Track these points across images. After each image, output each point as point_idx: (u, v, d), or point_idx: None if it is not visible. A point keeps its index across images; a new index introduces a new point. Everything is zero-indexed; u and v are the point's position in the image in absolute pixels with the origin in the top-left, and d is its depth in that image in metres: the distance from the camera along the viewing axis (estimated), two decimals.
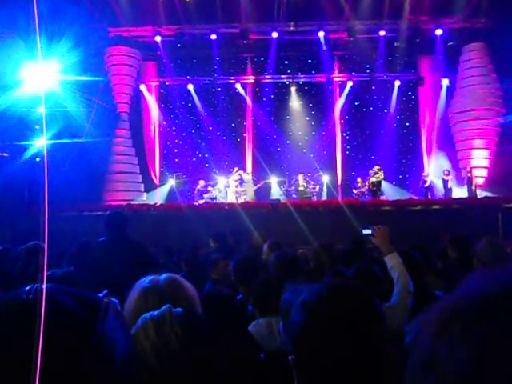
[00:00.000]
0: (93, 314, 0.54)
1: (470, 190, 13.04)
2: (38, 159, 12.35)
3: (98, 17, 14.20)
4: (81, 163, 12.97)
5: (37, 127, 12.47)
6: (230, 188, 13.52)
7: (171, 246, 5.66)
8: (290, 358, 0.94)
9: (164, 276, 1.47)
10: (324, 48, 15.48)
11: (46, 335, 0.48)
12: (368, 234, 2.65)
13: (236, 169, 13.85)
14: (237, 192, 13.91)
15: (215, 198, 13.73)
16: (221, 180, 14.90)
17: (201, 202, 13.10)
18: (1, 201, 11.69)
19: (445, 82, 15.53)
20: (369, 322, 0.90)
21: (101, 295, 0.64)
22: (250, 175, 13.79)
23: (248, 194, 13.28)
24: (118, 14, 14.38)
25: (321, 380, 0.88)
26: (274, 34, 15.05)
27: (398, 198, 13.60)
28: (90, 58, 13.17)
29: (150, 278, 1.46)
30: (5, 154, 12.78)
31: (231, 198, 13.16)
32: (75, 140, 12.99)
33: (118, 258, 2.86)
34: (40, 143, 12.53)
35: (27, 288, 0.56)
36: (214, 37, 15.13)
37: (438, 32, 14.73)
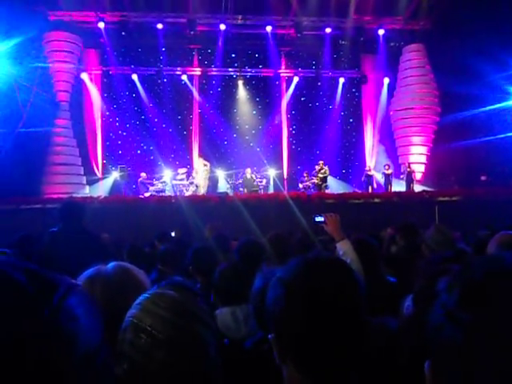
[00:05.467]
0: (45, 293, 0.47)
1: (408, 184, 13.70)
2: None
3: None
4: (17, 154, 12.24)
5: None
6: (198, 175, 13.28)
7: (119, 239, 5.50)
8: (269, 336, 0.93)
9: (112, 264, 1.42)
10: (271, 43, 15.61)
11: None
12: (320, 222, 2.72)
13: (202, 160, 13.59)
14: (183, 185, 13.78)
15: (162, 191, 13.49)
16: (166, 173, 14.66)
17: (147, 194, 12.82)
18: None
19: (386, 81, 16.16)
20: (350, 294, 0.90)
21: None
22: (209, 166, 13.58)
23: (200, 187, 13.14)
24: None
25: (304, 356, 0.87)
26: (222, 27, 14.94)
27: (342, 191, 14.02)
28: (28, 42, 12.44)
29: (97, 267, 1.41)
30: None
31: (202, 186, 12.99)
32: (11, 130, 12.29)
33: (70, 248, 2.74)
34: None
35: None
36: (160, 26, 14.78)
37: (381, 32, 15.28)
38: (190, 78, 16.33)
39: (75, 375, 0.45)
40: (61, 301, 0.47)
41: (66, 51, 14.51)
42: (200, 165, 13.34)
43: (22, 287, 0.45)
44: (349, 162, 16.76)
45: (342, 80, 16.52)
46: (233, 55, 16.41)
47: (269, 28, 15.17)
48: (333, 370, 0.88)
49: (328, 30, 15.22)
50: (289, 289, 0.90)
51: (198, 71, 16.31)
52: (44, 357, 0.43)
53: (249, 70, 16.55)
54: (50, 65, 14.32)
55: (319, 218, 2.72)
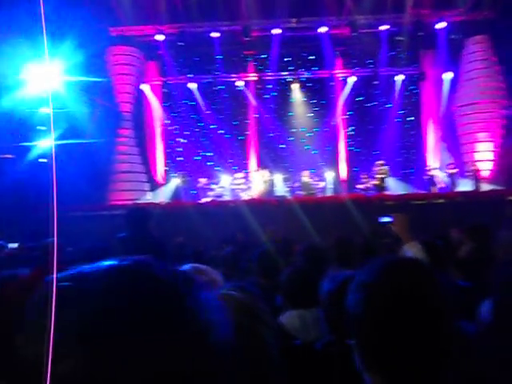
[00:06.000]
0: (185, 287, 0.53)
1: (475, 183, 13.04)
2: (42, 160, 12.35)
3: (99, 17, 14.16)
4: (84, 164, 12.93)
5: (41, 128, 12.47)
6: (256, 183, 13.62)
7: (184, 243, 5.67)
8: (350, 342, 0.91)
9: (187, 266, 1.45)
10: (326, 44, 15.47)
11: (145, 305, 0.48)
12: (387, 222, 2.64)
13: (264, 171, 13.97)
14: (241, 189, 13.98)
15: (220, 196, 13.74)
16: (224, 178, 14.94)
17: (206, 199, 13.11)
18: (5, 202, 11.62)
19: (447, 76, 15.49)
20: (435, 296, 0.87)
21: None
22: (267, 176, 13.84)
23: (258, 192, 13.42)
24: (119, 14, 14.34)
25: (388, 363, 0.85)
26: (276, 31, 15.02)
27: (403, 192, 13.59)
28: (92, 58, 13.13)
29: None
30: (9, 156, 12.79)
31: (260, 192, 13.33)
32: (78, 140, 12.99)
33: (139, 253, 2.85)
34: (44, 144, 12.54)
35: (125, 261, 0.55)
36: (215, 35, 15.10)
37: (440, 25, 14.68)
38: (246, 83, 16.54)
39: (213, 362, 0.51)
40: (197, 294, 0.54)
41: (127, 64, 15.19)
42: (259, 176, 13.59)
43: (167, 282, 0.53)
44: (409, 162, 16.22)
45: (400, 78, 16.05)
46: (287, 59, 16.42)
47: (323, 29, 15.04)
48: (419, 375, 0.85)
49: (384, 27, 14.85)
50: (371, 293, 0.87)
51: (253, 77, 16.47)
52: (187, 344, 0.49)
53: (304, 72, 16.49)
54: (113, 78, 15.03)
55: (386, 219, 2.65)
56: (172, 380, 0.46)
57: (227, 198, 13.72)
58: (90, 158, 13.20)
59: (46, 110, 12.27)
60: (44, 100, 12.33)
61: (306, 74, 16.52)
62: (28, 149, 12.46)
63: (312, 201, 12.25)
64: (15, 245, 5.82)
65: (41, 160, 12.53)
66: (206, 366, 0.49)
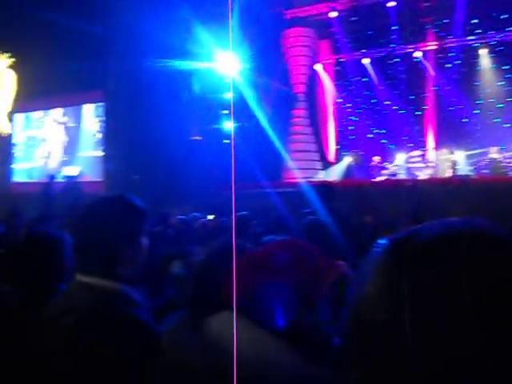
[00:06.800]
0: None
1: None
2: (226, 141, 13.50)
3: (274, 2, 14.68)
4: (261, 144, 13.70)
5: (224, 112, 13.61)
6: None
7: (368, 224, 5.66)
8: None
9: None
10: None
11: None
12: None
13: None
14: (417, 168, 13.28)
15: (395, 175, 13.23)
16: (399, 156, 14.31)
17: (380, 178, 12.77)
18: (196, 178, 13.01)
19: None
20: None
21: None
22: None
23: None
24: None
25: None
26: None
27: None
28: (269, 42, 13.77)
29: None
30: (198, 138, 14.29)
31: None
32: (256, 122, 13.80)
33: (329, 229, 2.91)
34: (227, 126, 13.68)
35: None
36: (391, 4, 14.29)
37: None
38: (424, 53, 15.36)
39: None
40: None
41: (301, 45, 15.45)
42: (438, 154, 12.80)
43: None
44: None
45: None
46: (474, 21, 14.64)
47: None
48: None
49: None
50: None
51: (433, 45, 15.18)
52: None
53: (494, 35, 14.52)
54: (288, 60, 15.50)
55: None
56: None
57: (402, 177, 13.13)
58: (266, 138, 13.92)
59: (229, 95, 13.32)
60: (227, 85, 13.40)
61: (497, 37, 14.52)
62: (214, 131, 13.74)
63: (502, 181, 10.92)
64: (211, 217, 6.52)
65: (225, 141, 13.72)
66: None
